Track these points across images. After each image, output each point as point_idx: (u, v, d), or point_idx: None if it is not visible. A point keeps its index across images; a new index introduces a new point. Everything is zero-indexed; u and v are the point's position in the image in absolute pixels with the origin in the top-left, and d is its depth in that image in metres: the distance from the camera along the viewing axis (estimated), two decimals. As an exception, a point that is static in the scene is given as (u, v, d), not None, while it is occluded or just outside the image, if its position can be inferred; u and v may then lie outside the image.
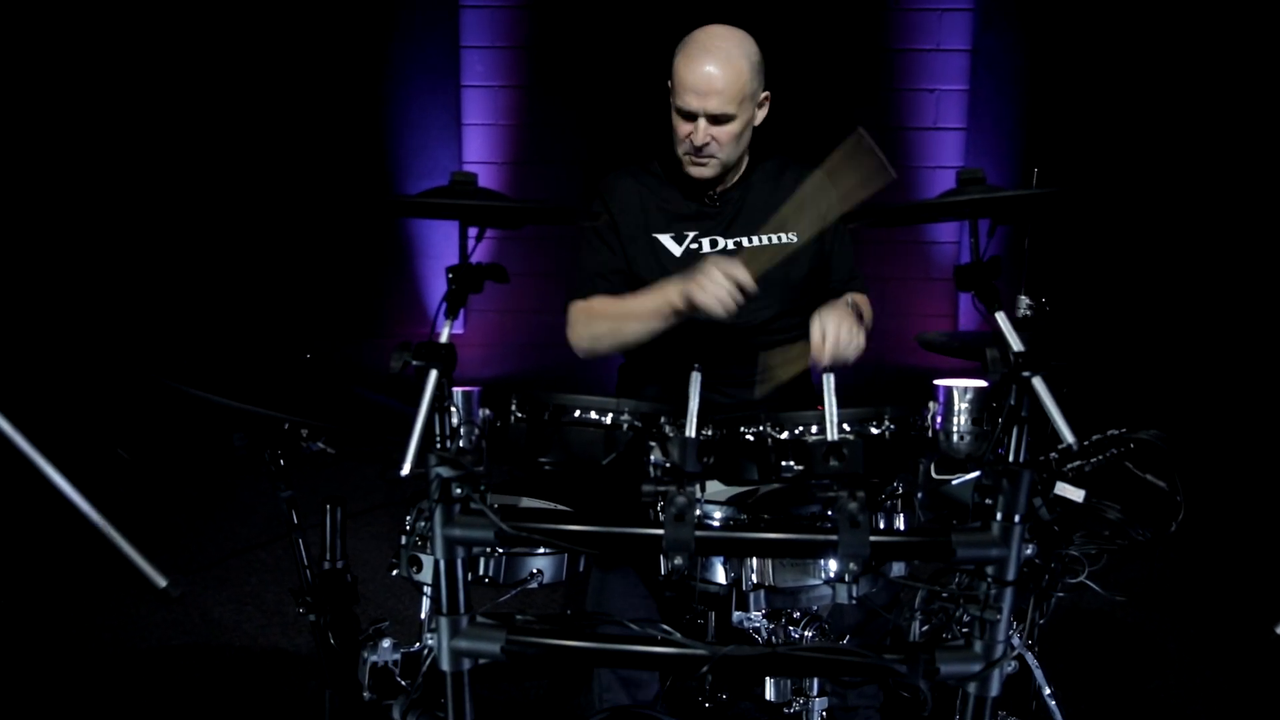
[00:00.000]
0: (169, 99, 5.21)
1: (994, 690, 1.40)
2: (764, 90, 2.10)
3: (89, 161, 5.11)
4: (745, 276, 1.83)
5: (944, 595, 1.44)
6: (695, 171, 2.10)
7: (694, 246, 2.16)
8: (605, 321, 2.11)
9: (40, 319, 4.86)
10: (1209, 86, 5.14)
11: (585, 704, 2.29)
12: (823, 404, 1.47)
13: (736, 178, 2.20)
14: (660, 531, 1.37)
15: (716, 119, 2.02)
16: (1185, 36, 5.10)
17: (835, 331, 1.88)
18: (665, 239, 2.17)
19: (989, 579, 1.38)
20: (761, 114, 2.12)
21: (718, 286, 1.83)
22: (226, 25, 5.22)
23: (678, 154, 2.11)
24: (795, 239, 2.17)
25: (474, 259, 1.44)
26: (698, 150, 2.05)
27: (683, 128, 2.05)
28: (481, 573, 1.71)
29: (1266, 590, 3.26)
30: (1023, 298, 2.02)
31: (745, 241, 2.17)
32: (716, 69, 1.99)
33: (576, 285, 2.20)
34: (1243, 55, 5.08)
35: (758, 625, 1.72)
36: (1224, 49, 5.09)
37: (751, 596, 1.68)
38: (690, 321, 2.14)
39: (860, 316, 1.99)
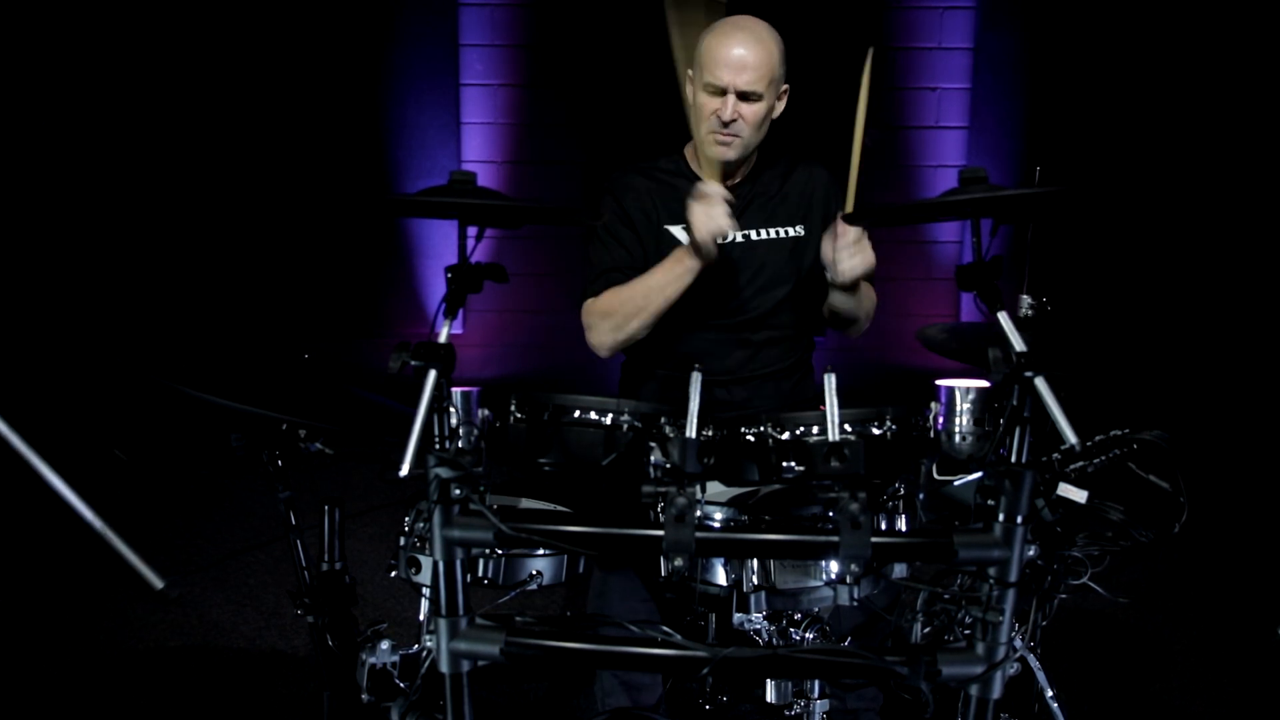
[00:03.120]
0: (167, 97, 5.19)
1: (996, 692, 1.39)
2: (785, 82, 2.11)
3: (88, 161, 5.10)
4: (719, 189, 1.97)
5: (946, 597, 1.43)
6: (718, 151, 2.08)
7: None
8: (627, 305, 2.08)
9: (37, 319, 4.85)
10: (1211, 85, 5.13)
11: (585, 706, 2.28)
12: (824, 404, 1.46)
13: (746, 171, 2.20)
14: (660, 533, 1.36)
15: (746, 95, 2.03)
16: (1187, 35, 5.10)
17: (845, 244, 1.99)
18: (676, 230, 2.17)
19: (991, 580, 1.37)
20: (780, 105, 2.13)
21: (712, 212, 1.94)
22: (224, 24, 5.21)
23: (698, 138, 2.10)
24: (803, 232, 2.19)
25: (473, 259, 1.43)
26: (725, 125, 2.04)
27: (710, 104, 2.05)
28: (481, 574, 1.70)
29: (1270, 591, 3.26)
30: (1024, 297, 2.01)
31: (754, 235, 2.18)
32: (750, 45, 2.02)
33: (589, 284, 2.17)
34: (1244, 54, 5.08)
35: (758, 627, 1.71)
36: (1225, 47, 5.09)
37: (752, 598, 1.67)
38: (691, 317, 2.14)
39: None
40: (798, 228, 2.20)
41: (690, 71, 2.10)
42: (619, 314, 2.09)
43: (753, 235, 2.18)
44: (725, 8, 2.07)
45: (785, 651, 1.44)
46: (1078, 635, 2.90)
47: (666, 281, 2.05)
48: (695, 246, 1.98)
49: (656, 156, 2.26)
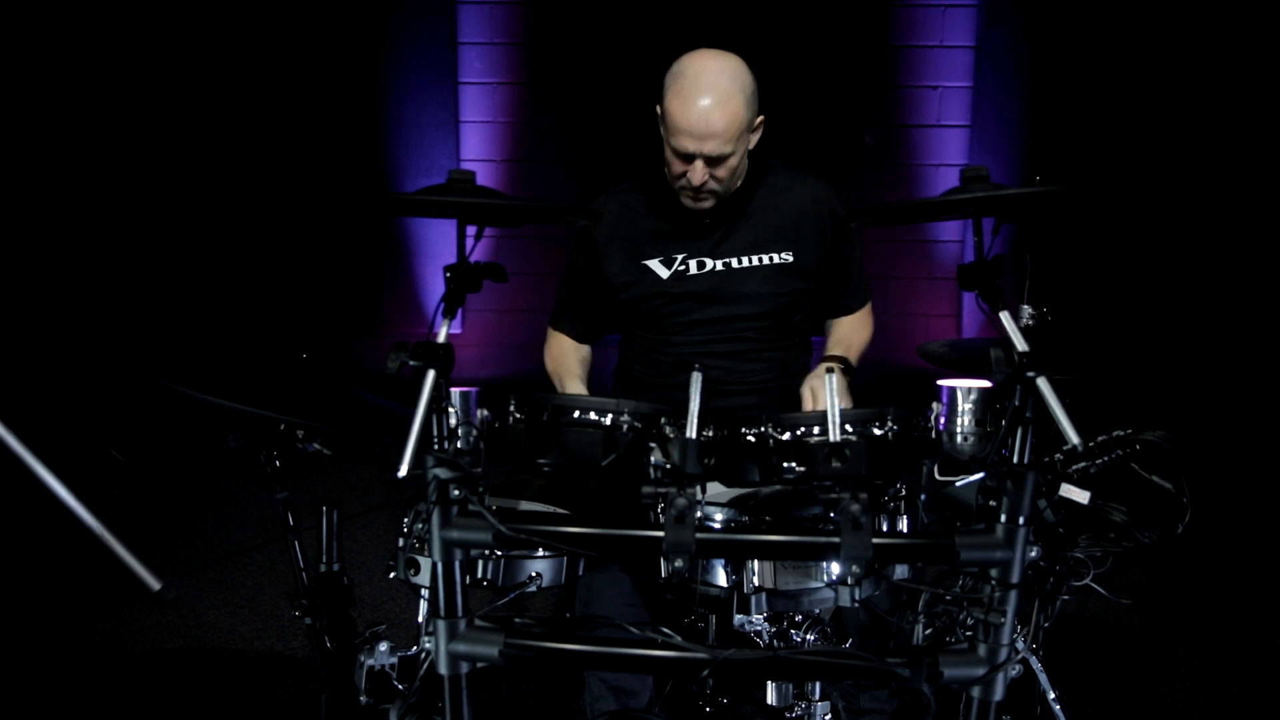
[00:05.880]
0: (165, 96, 5.19)
1: (998, 694, 1.38)
2: (759, 115, 2.03)
3: (86, 161, 5.09)
4: None
5: (948, 598, 1.42)
6: (692, 205, 2.06)
7: (681, 269, 2.13)
8: (556, 379, 2.23)
9: (34, 319, 4.84)
10: (1213, 83, 5.12)
11: (583, 708, 2.27)
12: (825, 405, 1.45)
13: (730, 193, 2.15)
14: (661, 534, 1.35)
15: (713, 160, 1.96)
16: (1189, 34, 5.09)
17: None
18: (654, 264, 2.14)
19: (993, 582, 1.36)
20: (756, 137, 2.06)
21: None
22: (223, 23, 5.21)
23: (671, 186, 2.07)
24: (790, 258, 2.14)
25: (472, 258, 1.42)
26: (696, 190, 2.00)
27: (677, 166, 1.99)
28: (479, 575, 1.69)
29: (1273, 593, 3.25)
30: (1025, 307, 2.00)
31: (735, 263, 2.12)
32: (713, 111, 1.91)
33: (555, 307, 2.30)
34: (1246, 53, 5.07)
35: (759, 628, 1.70)
36: (1228, 46, 5.08)
37: (753, 599, 1.66)
38: (675, 336, 2.16)
39: (849, 370, 2.14)
40: (785, 254, 2.13)
41: (660, 109, 2.03)
42: (550, 366, 2.29)
43: (733, 263, 2.12)
44: None
45: (786, 653, 1.43)
46: (1080, 637, 2.89)
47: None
48: None
49: (642, 174, 2.21)
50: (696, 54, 1.99)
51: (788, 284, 2.15)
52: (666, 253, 2.13)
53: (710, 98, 1.92)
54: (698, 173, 1.97)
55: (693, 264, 2.12)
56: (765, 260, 2.13)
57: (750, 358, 2.16)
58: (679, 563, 1.36)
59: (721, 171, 1.99)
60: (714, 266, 2.12)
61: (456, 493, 1.37)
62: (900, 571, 1.64)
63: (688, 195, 2.04)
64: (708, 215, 2.12)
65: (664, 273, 2.13)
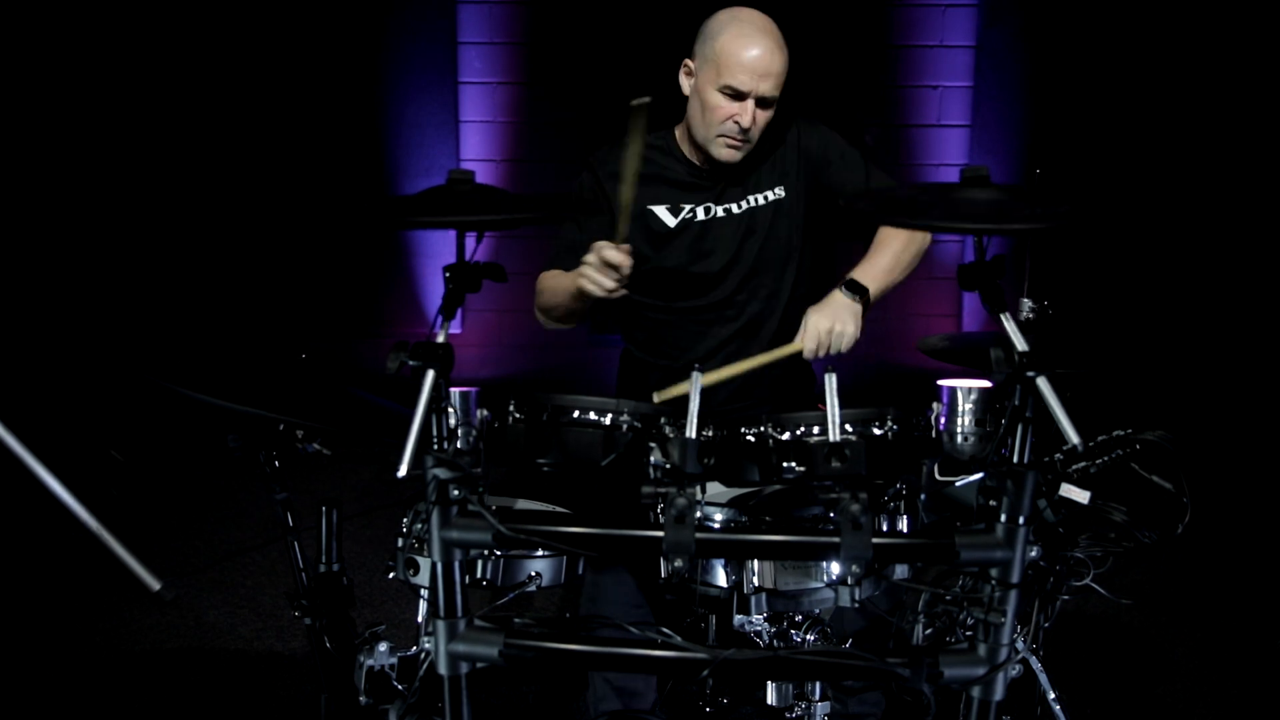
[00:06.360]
0: (165, 96, 5.19)
1: (998, 694, 1.38)
2: None
3: (85, 161, 5.09)
4: (617, 256, 1.83)
5: (948, 598, 1.42)
6: (726, 155, 2.05)
7: (689, 217, 2.14)
8: (545, 295, 2.15)
9: (34, 319, 4.84)
10: (1213, 82, 5.12)
11: (583, 708, 2.27)
12: (824, 404, 1.45)
13: None
14: (660, 534, 1.35)
15: (764, 101, 1.99)
16: (1190, 33, 5.09)
17: (816, 328, 1.93)
18: (660, 210, 2.14)
19: (993, 582, 1.36)
20: None
21: (595, 275, 1.86)
22: (222, 23, 5.20)
23: (703, 135, 2.05)
24: (783, 193, 2.15)
25: (472, 258, 1.41)
26: (743, 132, 2.00)
27: (728, 107, 1.99)
28: (479, 576, 1.69)
29: (1273, 593, 3.25)
30: (1025, 300, 2.00)
31: (735, 208, 2.14)
32: (774, 51, 1.97)
33: (547, 257, 2.20)
34: (1248, 52, 5.07)
35: (759, 629, 1.70)
36: (1227, 44, 5.08)
37: (753, 599, 1.66)
38: (672, 299, 2.16)
39: (866, 287, 2.00)
40: (777, 189, 2.15)
41: (691, 63, 2.06)
42: (541, 298, 2.16)
43: (733, 209, 2.14)
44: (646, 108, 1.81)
45: (786, 653, 1.43)
46: (1080, 637, 2.89)
47: (566, 294, 2.01)
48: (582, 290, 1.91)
49: (653, 131, 2.21)
50: (740, 8, 2.04)
51: (785, 224, 2.15)
52: (674, 201, 2.15)
53: (771, 39, 1.99)
54: (748, 113, 1.98)
55: (700, 211, 2.14)
56: (761, 199, 2.14)
57: (752, 319, 2.16)
58: (679, 563, 1.36)
59: (763, 119, 2.02)
60: (716, 212, 2.14)
61: (456, 493, 1.37)
62: (900, 571, 1.63)
63: (726, 140, 2.03)
64: (715, 170, 2.12)
65: (671, 221, 2.14)
